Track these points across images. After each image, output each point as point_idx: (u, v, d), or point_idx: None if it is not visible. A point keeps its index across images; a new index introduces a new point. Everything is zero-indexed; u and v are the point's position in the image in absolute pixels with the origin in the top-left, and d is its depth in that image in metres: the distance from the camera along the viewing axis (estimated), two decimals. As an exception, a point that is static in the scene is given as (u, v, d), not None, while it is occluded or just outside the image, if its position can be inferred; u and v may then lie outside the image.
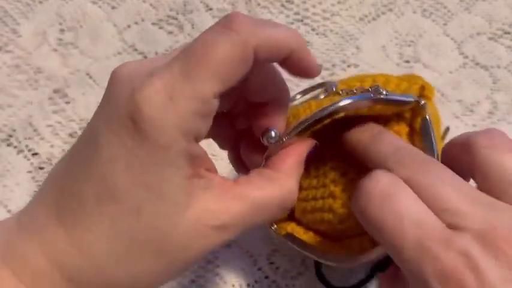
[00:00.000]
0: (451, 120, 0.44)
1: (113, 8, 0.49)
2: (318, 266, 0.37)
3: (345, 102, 0.29)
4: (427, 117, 0.31)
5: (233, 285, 0.39)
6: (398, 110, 0.31)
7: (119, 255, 0.26)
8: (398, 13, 0.48)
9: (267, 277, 0.39)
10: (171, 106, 0.24)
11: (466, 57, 0.46)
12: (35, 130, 0.45)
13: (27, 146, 0.44)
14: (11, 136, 0.45)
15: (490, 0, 0.48)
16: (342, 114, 0.29)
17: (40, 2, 0.49)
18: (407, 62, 0.46)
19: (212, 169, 0.28)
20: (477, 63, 0.46)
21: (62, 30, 0.48)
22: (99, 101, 0.27)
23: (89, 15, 0.49)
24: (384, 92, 0.30)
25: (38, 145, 0.44)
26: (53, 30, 0.48)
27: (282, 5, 0.49)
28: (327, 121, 0.29)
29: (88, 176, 0.26)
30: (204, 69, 0.25)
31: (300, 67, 0.28)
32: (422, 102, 0.30)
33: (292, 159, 0.30)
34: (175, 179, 0.26)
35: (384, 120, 0.32)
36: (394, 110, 0.31)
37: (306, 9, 0.48)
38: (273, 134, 0.30)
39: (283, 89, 0.30)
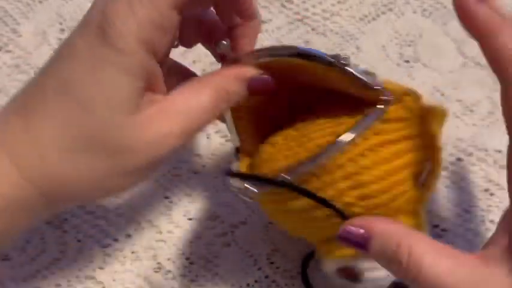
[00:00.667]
0: (451, 120, 0.44)
1: (113, 7, 0.49)
2: (304, 266, 0.37)
3: (302, 46, 0.32)
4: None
5: (233, 285, 0.39)
6: (360, 92, 0.32)
7: (65, 146, 0.28)
8: (398, 13, 0.48)
9: (267, 277, 0.39)
10: (131, 15, 0.27)
11: (466, 57, 0.46)
12: (35, 130, 0.45)
13: (17, 91, 0.44)
14: (11, 136, 0.45)
15: (490, 0, 0.48)
16: (297, 61, 0.31)
17: (40, 2, 0.49)
18: (407, 61, 0.46)
19: (163, 91, 0.30)
20: (477, 63, 0.46)
21: (62, 30, 0.48)
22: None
23: (89, 15, 0.49)
24: (343, 62, 0.31)
25: (38, 145, 0.44)
26: (53, 30, 0.48)
27: (282, 5, 0.49)
28: (283, 61, 0.31)
29: (53, 72, 0.29)
30: None
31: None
32: (376, 87, 0.31)
33: (230, 72, 0.32)
34: (126, 84, 0.28)
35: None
36: (357, 90, 0.32)
37: (306, 9, 0.48)
38: (224, 42, 0.32)
39: (249, 13, 0.33)
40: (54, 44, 0.48)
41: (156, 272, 0.40)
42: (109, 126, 0.28)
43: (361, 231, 0.29)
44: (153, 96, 0.29)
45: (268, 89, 0.32)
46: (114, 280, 0.39)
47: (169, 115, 0.29)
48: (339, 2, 0.49)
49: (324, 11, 0.48)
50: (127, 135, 0.28)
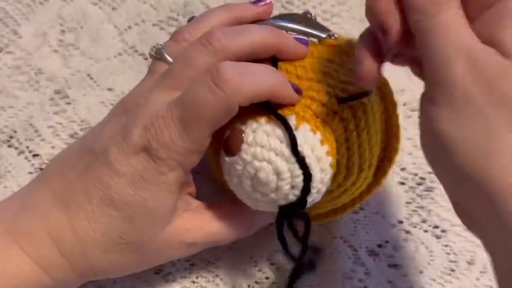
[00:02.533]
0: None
1: (114, 9, 0.49)
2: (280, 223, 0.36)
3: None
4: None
5: (234, 287, 0.39)
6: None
7: (106, 247, 0.33)
8: (398, 14, 0.48)
9: (267, 278, 0.40)
10: (175, 145, 0.31)
11: (466, 58, 0.46)
12: (35, 131, 0.45)
13: (28, 147, 0.44)
14: (11, 137, 0.45)
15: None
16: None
17: (41, 3, 0.49)
18: (407, 63, 0.46)
19: (192, 193, 0.35)
20: (477, 64, 0.46)
21: (62, 31, 0.48)
22: (100, 101, 0.28)
23: (90, 16, 0.49)
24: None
25: (38, 146, 0.44)
26: (53, 31, 0.48)
27: (282, 6, 0.49)
28: None
29: (96, 181, 0.32)
30: (198, 123, 0.31)
31: (280, 102, 0.32)
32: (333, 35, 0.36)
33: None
34: (167, 200, 0.33)
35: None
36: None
37: (306, 10, 0.48)
38: None
39: None
40: (55, 45, 0.48)
41: (156, 273, 0.40)
42: (145, 237, 0.33)
43: None
44: (188, 201, 0.35)
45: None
46: (114, 282, 0.39)
47: (199, 223, 0.35)
48: (339, 3, 0.49)
49: (324, 11, 0.48)
50: (160, 242, 0.34)
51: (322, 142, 0.31)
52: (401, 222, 0.41)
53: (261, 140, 0.31)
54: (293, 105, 0.32)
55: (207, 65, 0.32)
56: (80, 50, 0.48)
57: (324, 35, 0.37)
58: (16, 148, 0.44)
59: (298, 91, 0.33)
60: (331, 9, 0.48)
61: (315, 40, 0.37)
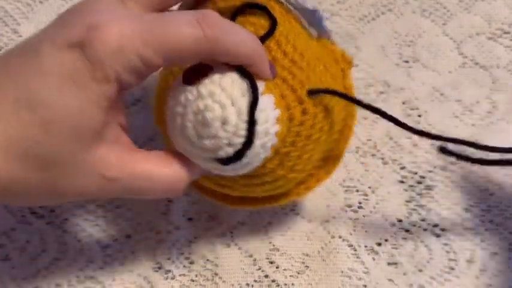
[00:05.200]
0: (451, 120, 0.44)
1: (113, 8, 0.49)
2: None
3: None
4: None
5: (232, 285, 0.39)
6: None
7: (9, 154, 0.27)
8: (397, 13, 0.48)
9: (266, 276, 0.40)
10: (121, 53, 0.27)
11: (466, 57, 0.46)
12: (35, 130, 0.45)
13: None
14: (11, 136, 0.45)
15: (490, 0, 0.48)
16: None
17: (40, 2, 0.50)
18: (407, 62, 0.46)
19: (125, 126, 0.31)
20: (476, 63, 0.46)
21: (62, 31, 0.48)
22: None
23: (89, 15, 0.49)
24: None
25: (38, 145, 0.44)
26: (53, 31, 0.48)
27: (282, 5, 0.49)
28: None
29: (17, 79, 0.28)
30: (160, 47, 0.27)
31: (252, 72, 0.30)
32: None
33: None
34: (93, 114, 0.28)
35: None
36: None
37: (306, 9, 0.48)
38: None
39: None
40: (54, 45, 0.48)
41: (155, 271, 0.40)
42: (62, 152, 0.28)
43: None
44: (118, 133, 0.31)
45: None
46: (114, 280, 0.39)
47: (121, 167, 0.30)
48: (338, 2, 0.49)
49: (323, 11, 0.48)
50: (75, 166, 0.29)
51: (277, 120, 0.31)
52: (400, 220, 0.41)
53: (225, 84, 0.30)
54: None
55: None
56: (79, 49, 0.48)
57: (323, 34, 0.37)
58: (15, 147, 0.44)
59: (272, 72, 0.31)
60: (330, 8, 0.48)
61: (315, 33, 0.36)
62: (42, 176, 0.28)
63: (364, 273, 0.39)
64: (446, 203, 0.41)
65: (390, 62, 0.46)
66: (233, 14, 0.33)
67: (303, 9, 0.36)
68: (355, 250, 0.40)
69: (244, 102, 0.29)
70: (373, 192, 0.42)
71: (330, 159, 0.37)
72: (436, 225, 0.41)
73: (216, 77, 0.30)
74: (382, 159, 0.43)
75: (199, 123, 0.30)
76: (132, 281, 0.39)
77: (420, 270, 0.39)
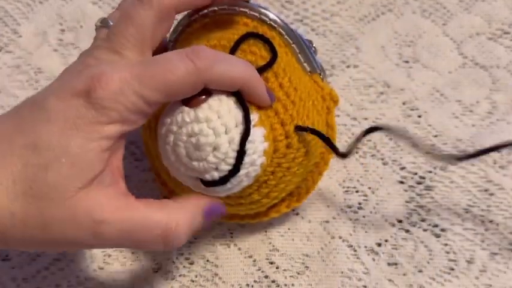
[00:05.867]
0: (451, 120, 0.44)
1: (113, 8, 0.49)
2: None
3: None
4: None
5: (232, 285, 0.39)
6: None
7: (12, 196, 0.29)
8: (397, 13, 0.48)
9: (266, 277, 0.40)
10: (123, 97, 0.29)
11: (466, 57, 0.46)
12: (35, 130, 0.45)
13: None
14: (11, 136, 0.45)
15: (490, 0, 0.48)
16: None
17: (40, 2, 0.50)
18: (407, 62, 0.46)
19: (121, 172, 0.32)
20: (476, 64, 0.46)
21: (62, 31, 0.48)
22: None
23: (89, 15, 0.49)
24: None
25: (38, 145, 0.44)
26: (53, 31, 0.48)
27: (282, 5, 0.49)
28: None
29: (25, 128, 0.30)
30: (157, 84, 0.29)
31: (251, 99, 0.32)
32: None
33: (192, 203, 0.32)
34: (93, 153, 0.29)
35: None
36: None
37: (306, 9, 0.48)
38: None
39: None
40: (55, 45, 0.48)
41: (155, 272, 0.40)
42: (54, 194, 0.29)
43: None
44: (116, 178, 0.31)
45: (221, 214, 0.34)
46: (114, 280, 0.39)
47: (115, 205, 0.30)
48: (338, 2, 0.49)
49: (323, 11, 0.48)
50: (67, 205, 0.29)
51: (264, 153, 0.32)
52: (400, 221, 0.41)
53: (222, 111, 0.31)
54: (259, 107, 0.33)
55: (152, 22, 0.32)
56: (79, 49, 0.48)
57: (315, 69, 0.38)
58: (15, 147, 0.44)
59: (271, 97, 0.33)
60: (330, 9, 0.48)
61: (307, 68, 0.38)
62: (37, 217, 0.29)
63: (364, 273, 0.39)
64: (446, 203, 0.41)
65: (390, 62, 0.46)
66: (236, 42, 0.34)
67: (300, 42, 0.37)
68: (355, 251, 0.40)
69: (237, 132, 0.31)
70: (373, 192, 0.42)
71: (303, 189, 0.38)
72: (436, 226, 0.41)
73: (214, 103, 0.31)
74: (382, 159, 0.43)
75: (192, 145, 0.31)
76: (132, 281, 0.39)
77: (420, 271, 0.39)
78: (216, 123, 0.31)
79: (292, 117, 0.34)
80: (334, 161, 0.41)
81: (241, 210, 0.37)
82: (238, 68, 0.31)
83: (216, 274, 0.40)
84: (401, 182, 0.42)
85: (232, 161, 0.31)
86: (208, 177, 0.31)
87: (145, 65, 0.30)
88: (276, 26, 0.37)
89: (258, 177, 0.33)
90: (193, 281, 0.39)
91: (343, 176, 0.42)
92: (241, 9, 0.37)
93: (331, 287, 0.39)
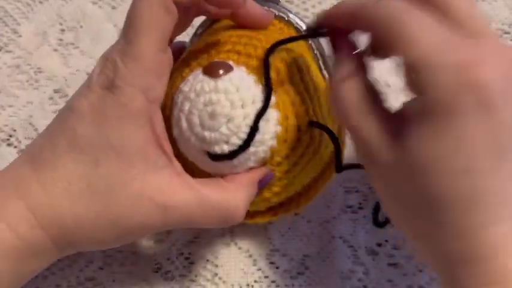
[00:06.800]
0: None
1: (113, 8, 0.49)
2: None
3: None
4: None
5: (232, 285, 0.39)
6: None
7: (73, 197, 0.30)
8: (398, 13, 0.48)
9: (266, 277, 0.40)
10: (126, 67, 0.30)
11: (466, 57, 0.46)
12: (35, 130, 0.45)
13: (27, 146, 0.44)
14: (11, 136, 0.45)
15: (490, 0, 0.48)
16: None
17: (40, 2, 0.50)
18: (407, 62, 0.46)
19: (169, 147, 0.32)
20: (477, 64, 0.46)
21: (62, 31, 0.48)
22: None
23: (89, 15, 0.49)
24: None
25: (38, 145, 0.44)
26: (53, 31, 0.48)
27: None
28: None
29: (63, 128, 0.31)
30: (139, 32, 0.30)
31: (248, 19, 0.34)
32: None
33: (246, 177, 0.33)
34: (132, 135, 0.30)
35: None
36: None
37: (306, 9, 0.48)
38: None
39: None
40: (55, 44, 0.48)
41: (155, 272, 0.40)
42: (112, 187, 0.30)
43: None
44: (170, 158, 0.31)
45: (270, 179, 0.34)
46: (113, 280, 0.39)
47: (176, 188, 0.31)
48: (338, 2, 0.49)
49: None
50: (128, 196, 0.30)
51: (276, 136, 0.32)
52: (400, 221, 0.41)
53: (242, 86, 0.31)
54: (278, 93, 0.33)
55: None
56: (79, 49, 0.48)
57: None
58: (15, 147, 0.44)
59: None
60: (330, 9, 0.48)
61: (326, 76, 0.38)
62: (105, 212, 0.30)
63: (364, 274, 0.39)
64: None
65: (390, 61, 0.46)
66: (269, 49, 0.33)
67: (325, 56, 0.38)
68: (355, 251, 0.40)
69: (253, 109, 0.31)
70: (373, 192, 0.42)
71: (304, 196, 0.38)
72: (436, 226, 0.41)
73: (235, 76, 0.31)
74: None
75: (207, 114, 0.31)
76: (132, 282, 0.39)
77: (420, 271, 0.39)
78: (234, 96, 0.31)
79: (307, 112, 0.34)
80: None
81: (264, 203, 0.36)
82: None
83: (216, 274, 0.40)
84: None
85: (244, 135, 0.31)
86: (217, 149, 0.31)
87: (125, 27, 0.31)
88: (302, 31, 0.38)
89: (263, 164, 0.33)
90: (193, 281, 0.39)
91: (343, 176, 0.42)
92: (271, 9, 0.38)
93: (331, 287, 0.39)
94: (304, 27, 0.38)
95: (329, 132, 0.34)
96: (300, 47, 0.36)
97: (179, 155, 0.33)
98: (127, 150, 0.30)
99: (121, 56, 0.30)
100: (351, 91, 0.29)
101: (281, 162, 0.34)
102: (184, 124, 0.32)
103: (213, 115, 0.31)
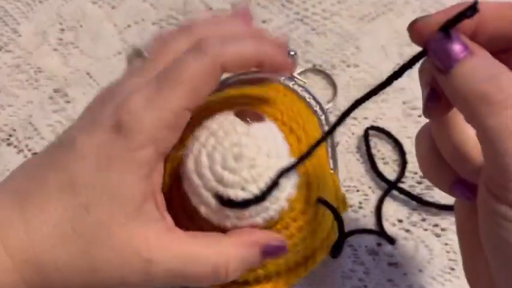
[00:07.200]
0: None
1: (113, 7, 0.49)
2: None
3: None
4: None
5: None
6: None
7: (55, 241, 0.28)
8: (398, 13, 0.48)
9: (266, 277, 0.39)
10: (145, 116, 0.28)
11: (466, 57, 0.46)
12: (35, 129, 0.45)
13: (27, 145, 0.44)
14: (11, 136, 0.45)
15: (490, 0, 0.48)
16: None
17: (40, 2, 0.49)
18: (407, 61, 0.46)
19: (163, 207, 0.30)
20: (477, 63, 0.46)
21: (62, 30, 0.48)
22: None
23: (89, 15, 0.49)
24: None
25: (38, 144, 0.44)
26: (53, 30, 0.48)
27: (282, 5, 0.49)
28: None
29: (57, 168, 0.29)
30: (177, 85, 0.28)
31: (273, 69, 0.32)
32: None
33: (250, 238, 0.30)
34: (132, 184, 0.28)
35: None
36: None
37: (306, 9, 0.48)
38: None
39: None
40: (54, 44, 0.48)
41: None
42: (98, 235, 0.28)
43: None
44: (161, 212, 0.30)
45: (282, 252, 0.32)
46: (114, 280, 0.39)
47: (164, 242, 0.29)
48: (338, 2, 0.49)
49: (323, 10, 0.48)
50: (113, 246, 0.28)
51: (289, 199, 0.31)
52: (401, 221, 0.41)
53: (272, 137, 0.31)
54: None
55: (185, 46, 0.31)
56: (79, 48, 0.48)
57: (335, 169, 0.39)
58: (15, 146, 0.44)
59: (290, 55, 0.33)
60: (330, 8, 0.48)
61: (331, 165, 0.38)
62: (84, 260, 0.28)
63: (365, 273, 0.39)
64: (447, 203, 0.41)
65: (390, 61, 0.46)
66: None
67: (333, 145, 0.39)
68: (356, 250, 0.40)
69: (277, 163, 0.30)
70: (373, 192, 0.42)
71: (284, 277, 0.36)
72: (436, 225, 0.41)
73: (267, 127, 0.31)
74: (383, 159, 0.43)
75: (231, 154, 0.30)
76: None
77: (420, 271, 0.39)
78: (263, 144, 0.30)
79: (318, 187, 0.34)
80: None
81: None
82: (249, 45, 0.30)
83: (216, 274, 0.39)
84: (402, 182, 0.42)
85: (262, 185, 0.30)
86: (231, 193, 0.30)
87: (161, 76, 0.29)
88: (317, 110, 0.38)
89: (270, 223, 0.32)
90: (193, 281, 0.39)
91: (343, 176, 0.42)
92: (283, 81, 0.38)
93: (332, 287, 0.39)
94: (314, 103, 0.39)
95: (335, 212, 0.34)
96: (311, 124, 0.37)
97: (184, 205, 0.32)
98: (122, 198, 0.28)
99: (145, 102, 0.28)
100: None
101: (280, 230, 0.33)
102: (204, 159, 0.30)
103: (238, 157, 0.30)
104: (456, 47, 0.24)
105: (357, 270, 0.39)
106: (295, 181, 0.32)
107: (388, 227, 0.41)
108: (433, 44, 0.25)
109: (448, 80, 0.24)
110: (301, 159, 0.31)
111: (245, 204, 0.30)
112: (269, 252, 0.31)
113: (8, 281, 0.28)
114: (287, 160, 0.31)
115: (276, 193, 0.30)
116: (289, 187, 0.31)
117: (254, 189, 0.30)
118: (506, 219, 0.23)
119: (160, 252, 0.29)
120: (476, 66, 0.24)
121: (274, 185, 0.30)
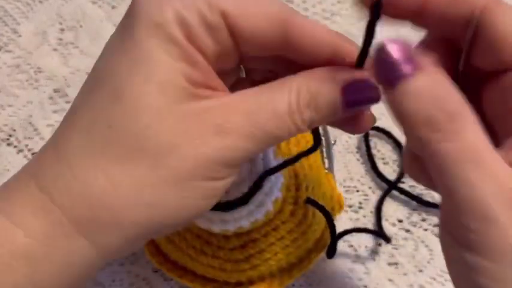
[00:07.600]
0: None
1: (113, 7, 0.49)
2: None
3: None
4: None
5: (233, 285, 0.39)
6: None
7: (94, 148, 0.22)
8: (398, 13, 0.48)
9: (266, 277, 0.39)
10: (180, 9, 0.23)
11: (466, 57, 0.46)
12: (35, 130, 0.45)
13: (27, 145, 0.44)
14: (11, 136, 0.45)
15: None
16: None
17: (40, 2, 0.50)
18: (407, 61, 0.46)
19: (220, 88, 0.24)
20: (477, 63, 0.46)
21: (62, 30, 0.48)
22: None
23: (89, 15, 0.49)
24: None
25: (38, 145, 0.44)
26: (53, 30, 0.48)
27: (282, 5, 0.49)
28: None
29: (103, 68, 0.25)
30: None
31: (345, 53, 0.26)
32: None
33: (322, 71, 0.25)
34: (179, 69, 0.22)
35: None
36: None
37: (306, 9, 0.48)
38: None
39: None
40: (54, 44, 0.48)
41: (155, 272, 0.40)
42: (142, 119, 0.22)
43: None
44: (213, 92, 0.23)
45: (372, 98, 0.25)
46: (113, 280, 0.39)
47: (235, 111, 0.23)
48: (338, 2, 0.49)
49: (323, 10, 0.48)
50: (168, 126, 0.22)
51: (274, 201, 0.31)
52: (401, 221, 0.41)
53: None
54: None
55: None
56: (79, 48, 0.48)
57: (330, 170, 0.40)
58: (15, 147, 0.44)
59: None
60: (330, 8, 0.48)
61: (326, 165, 0.39)
62: (140, 164, 0.22)
63: (365, 273, 0.39)
64: (447, 203, 0.41)
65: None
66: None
67: (328, 139, 0.39)
68: (356, 250, 0.40)
69: (261, 164, 0.30)
70: (373, 192, 0.42)
71: (277, 278, 0.35)
72: (436, 225, 0.41)
73: None
74: (383, 159, 0.43)
75: None
76: (132, 281, 0.39)
77: (420, 271, 0.39)
78: None
79: (307, 188, 0.34)
80: (335, 160, 0.41)
81: (222, 276, 0.35)
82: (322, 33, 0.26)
83: (216, 274, 0.39)
84: (402, 182, 0.42)
85: (245, 189, 0.30)
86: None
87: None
88: None
89: (249, 233, 0.32)
90: (193, 281, 0.39)
91: (343, 176, 0.42)
92: None
93: (332, 287, 0.39)
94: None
95: (325, 212, 0.34)
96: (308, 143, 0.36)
97: None
98: (158, 72, 0.23)
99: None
100: None
101: (267, 232, 0.33)
102: None
103: None
104: (402, 62, 0.22)
105: (357, 270, 0.39)
106: (281, 183, 0.32)
107: (388, 227, 0.41)
108: (376, 56, 0.23)
109: (392, 96, 0.22)
110: (287, 163, 0.31)
111: (228, 207, 0.30)
112: (352, 91, 0.25)
113: (53, 228, 0.22)
114: (273, 162, 0.31)
115: (260, 196, 0.30)
116: (275, 189, 0.31)
117: (237, 192, 0.30)
118: (480, 274, 0.21)
119: (231, 118, 0.23)
120: (423, 86, 0.21)
121: (257, 187, 0.30)
